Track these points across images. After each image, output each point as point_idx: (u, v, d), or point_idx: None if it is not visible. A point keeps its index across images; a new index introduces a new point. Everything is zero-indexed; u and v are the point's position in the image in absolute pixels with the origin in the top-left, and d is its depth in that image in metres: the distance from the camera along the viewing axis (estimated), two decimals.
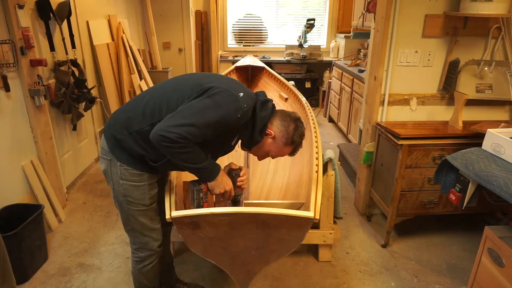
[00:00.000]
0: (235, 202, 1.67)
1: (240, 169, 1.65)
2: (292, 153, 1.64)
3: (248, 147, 1.61)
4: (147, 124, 1.46)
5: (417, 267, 2.34)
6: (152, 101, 1.51)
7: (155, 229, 1.68)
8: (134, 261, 1.75)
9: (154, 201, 1.64)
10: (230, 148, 1.65)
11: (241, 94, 1.43)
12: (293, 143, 1.58)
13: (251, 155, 2.83)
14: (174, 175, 1.82)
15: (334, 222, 2.32)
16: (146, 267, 1.73)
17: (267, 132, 1.55)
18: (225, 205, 1.75)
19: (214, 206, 1.82)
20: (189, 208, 1.80)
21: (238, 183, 1.64)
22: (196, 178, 1.58)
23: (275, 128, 1.56)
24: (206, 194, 1.58)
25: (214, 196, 1.63)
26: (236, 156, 2.75)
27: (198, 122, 1.35)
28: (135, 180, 1.55)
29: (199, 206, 1.59)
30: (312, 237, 2.28)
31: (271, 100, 1.60)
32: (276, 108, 1.62)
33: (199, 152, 1.43)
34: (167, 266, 2.02)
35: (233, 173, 1.63)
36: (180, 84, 1.53)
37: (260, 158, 1.68)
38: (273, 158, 1.65)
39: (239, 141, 1.65)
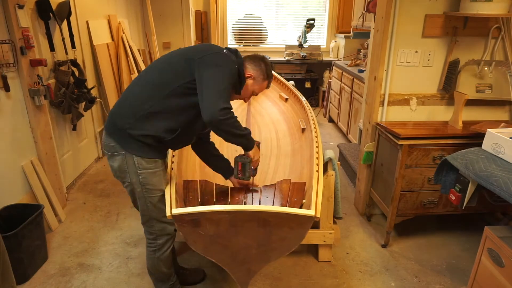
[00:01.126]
0: (256, 169, 1.91)
1: (256, 141, 1.85)
2: (268, 86, 1.90)
3: (239, 92, 1.80)
4: (154, 102, 1.61)
5: (417, 267, 2.34)
6: (148, 83, 1.66)
7: None
8: (152, 251, 1.83)
9: (167, 185, 1.76)
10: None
11: (224, 50, 1.71)
12: (268, 76, 1.83)
13: None
14: (174, 173, 1.82)
15: (334, 222, 2.32)
16: (164, 253, 1.83)
17: (247, 75, 1.78)
18: (226, 202, 1.85)
19: (214, 204, 1.83)
20: (190, 205, 1.81)
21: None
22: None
23: (252, 70, 1.79)
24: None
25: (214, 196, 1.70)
26: None
27: (225, 90, 1.57)
28: (151, 167, 1.66)
29: (249, 177, 1.85)
30: (312, 237, 2.28)
31: (234, 49, 1.83)
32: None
33: (237, 120, 1.61)
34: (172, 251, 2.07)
35: (256, 143, 1.82)
36: (171, 64, 1.69)
37: (247, 99, 1.89)
38: (256, 95, 1.87)
39: None
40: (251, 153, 1.79)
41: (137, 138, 1.61)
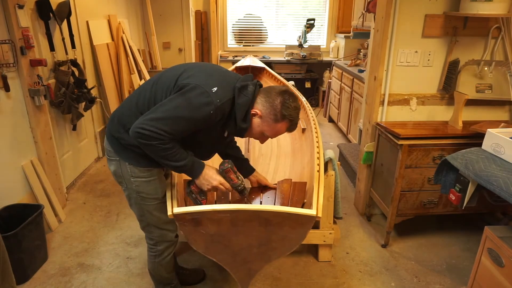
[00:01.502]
0: (240, 192, 1.68)
1: (226, 162, 1.63)
2: (290, 129, 1.57)
3: (239, 135, 1.59)
4: (136, 119, 1.47)
5: (417, 267, 2.34)
6: (141, 97, 1.55)
7: (170, 220, 1.71)
8: (152, 256, 1.80)
9: (166, 194, 1.70)
10: (225, 140, 1.67)
11: (215, 89, 1.42)
12: (284, 117, 1.50)
13: (251, 144, 2.84)
14: (174, 173, 1.82)
15: (334, 222, 2.32)
16: (165, 258, 1.80)
17: (252, 112, 1.51)
18: (227, 201, 1.78)
19: (215, 203, 1.83)
20: (190, 204, 1.80)
21: (231, 176, 1.62)
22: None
23: (260, 106, 1.51)
24: (200, 193, 1.62)
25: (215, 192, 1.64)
26: (239, 142, 2.75)
27: (170, 119, 1.38)
28: (145, 176, 1.61)
29: (197, 204, 1.61)
30: (312, 237, 2.28)
31: (254, 82, 1.54)
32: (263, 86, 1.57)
33: (178, 150, 1.45)
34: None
35: (219, 169, 1.62)
36: (162, 79, 1.55)
37: (261, 140, 1.63)
38: (271, 138, 1.60)
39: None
40: (196, 182, 1.57)
41: (128, 147, 1.56)
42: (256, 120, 1.53)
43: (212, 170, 1.59)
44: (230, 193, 2.02)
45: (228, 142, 1.89)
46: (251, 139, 2.92)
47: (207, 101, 1.40)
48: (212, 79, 1.46)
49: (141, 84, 4.33)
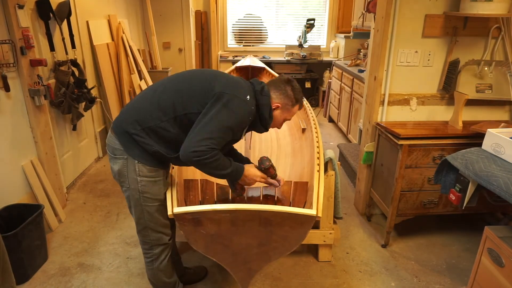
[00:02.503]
0: (274, 177, 1.81)
1: (265, 159, 1.79)
2: (300, 107, 1.79)
3: (264, 131, 1.75)
4: (161, 121, 1.54)
5: (417, 267, 2.34)
6: (164, 98, 1.58)
7: (167, 224, 1.74)
8: (150, 262, 1.78)
9: (166, 196, 1.70)
10: (239, 139, 1.75)
11: (248, 97, 1.58)
12: (297, 101, 1.72)
13: (251, 144, 2.84)
14: (175, 172, 1.82)
15: (334, 222, 2.32)
16: (162, 262, 1.78)
17: (273, 107, 1.68)
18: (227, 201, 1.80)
19: (215, 203, 1.83)
20: (191, 205, 1.81)
21: (271, 170, 1.78)
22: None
23: (277, 100, 1.68)
24: (242, 189, 1.86)
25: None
26: (239, 142, 2.75)
27: (220, 133, 1.49)
28: (153, 175, 1.62)
29: (240, 194, 1.87)
30: (312, 237, 2.28)
31: (263, 83, 1.71)
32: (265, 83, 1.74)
33: (224, 159, 1.55)
34: (176, 256, 2.07)
35: (261, 167, 1.76)
36: (192, 84, 1.61)
37: (279, 126, 1.80)
38: (289, 120, 1.78)
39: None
40: (241, 181, 1.70)
41: (141, 144, 1.57)
42: (277, 112, 1.70)
43: (252, 168, 1.73)
44: (230, 193, 2.03)
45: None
46: (250, 139, 2.92)
47: (248, 110, 1.57)
48: (242, 88, 1.60)
49: (143, 88, 4.35)
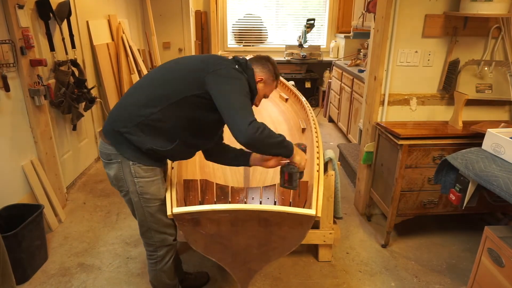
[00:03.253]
0: (301, 174, 1.73)
1: (303, 143, 1.78)
2: (277, 85, 1.84)
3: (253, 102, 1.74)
4: (152, 113, 1.52)
5: (417, 267, 2.34)
6: (152, 90, 1.57)
7: (170, 224, 1.71)
8: (153, 263, 1.76)
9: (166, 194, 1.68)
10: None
11: (236, 66, 1.64)
12: (277, 76, 1.77)
13: None
14: (174, 172, 1.82)
15: (334, 222, 2.32)
16: (166, 264, 1.77)
17: (257, 79, 1.70)
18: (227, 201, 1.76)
19: (214, 203, 1.83)
20: (190, 205, 1.81)
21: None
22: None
23: (261, 73, 1.72)
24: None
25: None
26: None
27: (246, 100, 1.53)
28: (149, 175, 1.60)
29: (296, 186, 1.69)
30: (312, 237, 2.28)
31: (245, 58, 1.75)
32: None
33: (267, 127, 1.53)
34: (177, 260, 2.05)
35: (301, 146, 1.73)
36: (181, 71, 1.61)
37: (258, 103, 1.80)
38: (267, 97, 1.81)
39: None
40: (297, 160, 1.64)
41: (134, 143, 1.55)
42: (260, 85, 1.72)
43: (296, 148, 1.67)
44: (229, 193, 2.02)
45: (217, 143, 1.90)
46: None
47: (242, 77, 1.60)
48: (228, 61, 1.64)
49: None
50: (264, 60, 1.76)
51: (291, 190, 1.96)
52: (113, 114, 1.61)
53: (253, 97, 1.69)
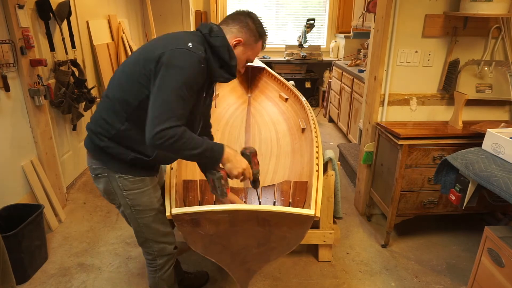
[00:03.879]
0: (255, 181, 1.64)
1: (250, 148, 1.63)
2: (263, 47, 1.57)
3: (231, 77, 1.50)
4: (123, 119, 1.41)
5: (417, 267, 2.34)
6: (115, 96, 1.44)
7: (168, 232, 1.66)
8: (153, 271, 1.71)
9: (161, 203, 1.62)
10: (209, 102, 1.59)
11: (190, 44, 1.36)
12: (261, 36, 1.51)
13: (250, 143, 2.84)
14: (174, 173, 1.82)
15: (334, 222, 2.32)
16: (166, 272, 1.71)
17: (234, 42, 1.46)
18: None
19: (214, 203, 1.83)
20: (190, 205, 1.80)
21: (255, 160, 1.61)
22: (211, 169, 1.55)
23: (238, 34, 1.46)
24: (226, 180, 1.53)
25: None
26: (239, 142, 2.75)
27: (177, 99, 1.29)
28: (138, 187, 1.52)
29: (223, 194, 1.55)
30: (312, 237, 2.28)
31: (211, 24, 1.49)
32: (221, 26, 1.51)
33: (194, 136, 1.37)
34: (176, 262, 2.03)
35: (246, 152, 1.60)
36: (130, 68, 1.43)
37: (242, 69, 1.58)
38: (251, 61, 1.57)
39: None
40: (226, 167, 1.48)
41: (116, 156, 1.45)
42: (239, 50, 1.48)
43: (235, 151, 1.50)
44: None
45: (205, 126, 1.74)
46: (250, 139, 2.92)
47: (193, 57, 1.34)
48: (181, 39, 1.39)
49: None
50: (242, 16, 1.47)
51: (291, 190, 1.96)
52: (89, 129, 1.51)
53: (228, 67, 1.45)
